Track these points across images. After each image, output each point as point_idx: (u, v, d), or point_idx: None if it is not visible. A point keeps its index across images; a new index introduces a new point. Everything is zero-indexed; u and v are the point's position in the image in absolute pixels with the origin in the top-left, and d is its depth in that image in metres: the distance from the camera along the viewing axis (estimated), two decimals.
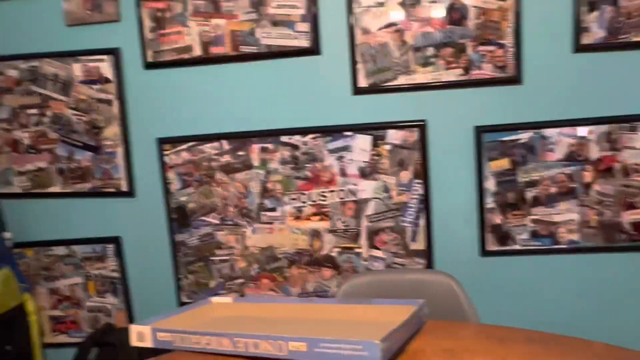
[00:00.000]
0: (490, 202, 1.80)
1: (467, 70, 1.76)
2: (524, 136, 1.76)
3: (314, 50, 1.82)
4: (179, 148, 1.93)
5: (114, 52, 1.92)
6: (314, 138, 1.85)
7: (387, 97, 1.81)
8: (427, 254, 1.85)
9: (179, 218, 1.97)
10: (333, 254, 1.90)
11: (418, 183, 1.82)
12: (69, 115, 1.98)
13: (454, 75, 1.77)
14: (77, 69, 1.95)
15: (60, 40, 1.95)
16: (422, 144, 1.80)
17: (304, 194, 1.88)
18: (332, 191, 1.87)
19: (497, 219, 1.81)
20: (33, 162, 2.03)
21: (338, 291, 1.45)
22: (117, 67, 1.92)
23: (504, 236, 1.82)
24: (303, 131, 1.86)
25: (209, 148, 1.92)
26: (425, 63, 1.77)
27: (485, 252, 1.83)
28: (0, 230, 1.96)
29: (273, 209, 1.91)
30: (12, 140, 2.03)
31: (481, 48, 1.74)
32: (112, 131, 1.97)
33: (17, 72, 1.99)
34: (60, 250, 2.06)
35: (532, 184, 1.78)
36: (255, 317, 1.24)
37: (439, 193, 1.83)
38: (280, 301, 1.29)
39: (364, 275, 1.54)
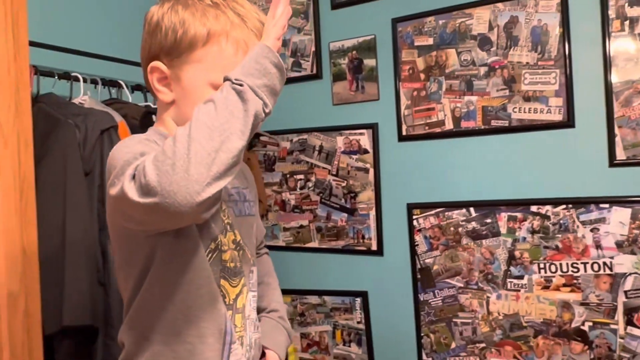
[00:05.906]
0: None
1: None
2: None
3: (567, 123, 1.86)
4: (427, 213, 2.09)
5: (372, 127, 2.18)
6: (565, 209, 1.87)
7: None
8: None
9: (424, 278, 2.10)
10: (584, 328, 1.86)
11: None
12: (330, 181, 2.28)
13: None
14: (340, 141, 2.25)
15: (327, 117, 2.28)
16: None
17: (553, 263, 1.89)
18: (584, 263, 1.85)
19: None
20: (297, 220, 2.36)
21: None
22: (374, 140, 2.18)
23: None
24: (554, 202, 1.89)
25: (456, 214, 2.04)
26: None
27: None
28: None
29: (520, 277, 1.95)
30: (281, 201, 2.39)
31: None
32: (366, 196, 2.21)
33: (290, 144, 2.36)
34: (314, 299, 2.33)
35: None
36: None
37: None
38: None
39: None
